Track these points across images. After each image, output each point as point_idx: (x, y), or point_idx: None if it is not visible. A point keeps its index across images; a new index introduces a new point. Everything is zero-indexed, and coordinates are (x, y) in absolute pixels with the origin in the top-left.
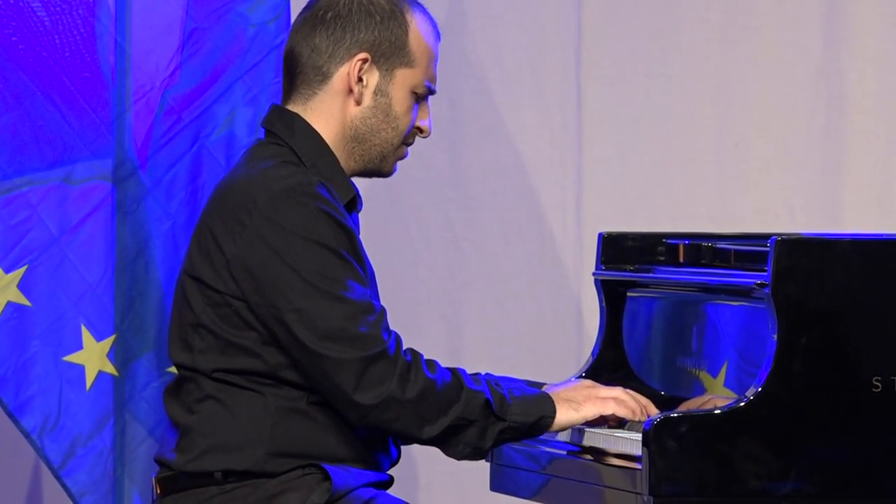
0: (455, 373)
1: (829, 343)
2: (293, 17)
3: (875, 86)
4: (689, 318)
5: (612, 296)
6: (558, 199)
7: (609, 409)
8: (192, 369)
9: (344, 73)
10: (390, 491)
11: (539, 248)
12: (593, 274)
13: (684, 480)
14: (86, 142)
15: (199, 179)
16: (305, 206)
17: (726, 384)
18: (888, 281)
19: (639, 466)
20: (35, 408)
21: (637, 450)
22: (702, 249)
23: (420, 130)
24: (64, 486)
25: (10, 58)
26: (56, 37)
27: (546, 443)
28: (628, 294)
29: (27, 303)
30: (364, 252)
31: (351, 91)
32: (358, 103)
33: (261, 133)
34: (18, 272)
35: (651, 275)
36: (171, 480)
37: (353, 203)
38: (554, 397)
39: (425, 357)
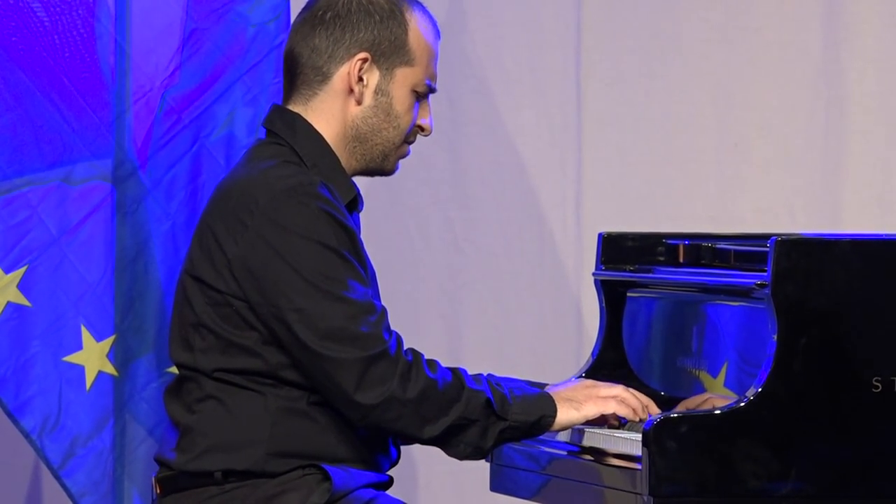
0: (456, 372)
1: (829, 343)
2: (293, 18)
3: (875, 86)
4: (688, 319)
5: (611, 296)
6: (558, 199)
7: (610, 408)
8: (193, 369)
9: (344, 72)
10: (390, 491)
11: (539, 248)
12: (593, 274)
13: (684, 481)
14: (86, 142)
15: (199, 180)
16: (306, 205)
17: (726, 384)
18: (888, 281)
19: (639, 467)
20: (35, 408)
21: (637, 450)
22: (702, 249)
23: (421, 129)
24: (64, 486)
25: (10, 58)
26: (56, 37)
27: (546, 443)
28: (628, 294)
29: (27, 303)
30: (365, 252)
31: (351, 91)
32: (359, 103)
33: (261, 133)
34: (18, 272)
35: (651, 275)
36: (171, 480)
37: (355, 203)
38: (555, 397)
39: (426, 357)
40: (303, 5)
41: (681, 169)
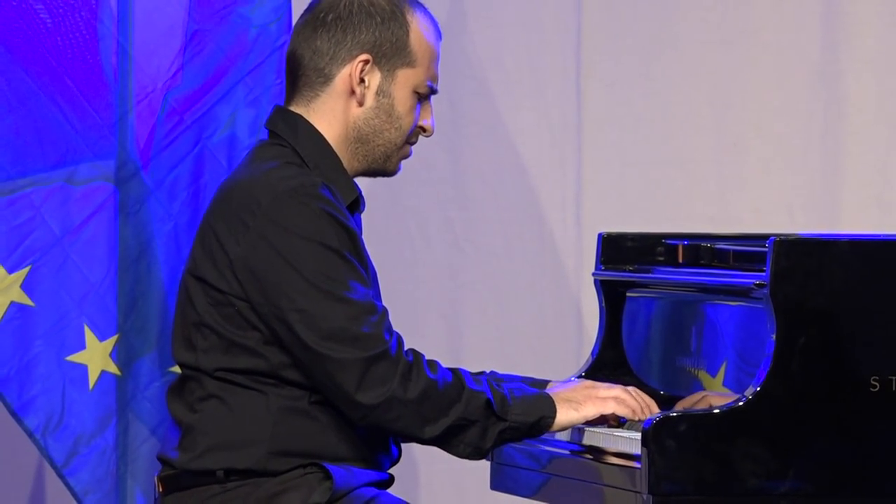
0: (456, 373)
1: (827, 343)
2: (295, 19)
3: (873, 87)
4: (688, 318)
5: (611, 296)
6: (558, 200)
7: (609, 408)
8: (195, 368)
9: (346, 74)
10: (391, 490)
11: (539, 248)
12: (593, 274)
13: (683, 479)
14: (88, 143)
15: (201, 180)
16: (308, 206)
17: (725, 384)
18: (886, 281)
19: (638, 465)
20: (38, 407)
21: (636, 449)
22: (701, 250)
23: (423, 129)
24: (67, 484)
25: (14, 59)
26: (59, 38)
27: (546, 442)
28: (628, 294)
29: (30, 303)
30: (366, 252)
31: (353, 92)
32: (360, 104)
33: (263, 134)
34: (22, 272)
35: (650, 275)
36: (174, 479)
37: (356, 204)
38: (554, 397)
39: (426, 357)
40: (304, 7)
41: (680, 169)
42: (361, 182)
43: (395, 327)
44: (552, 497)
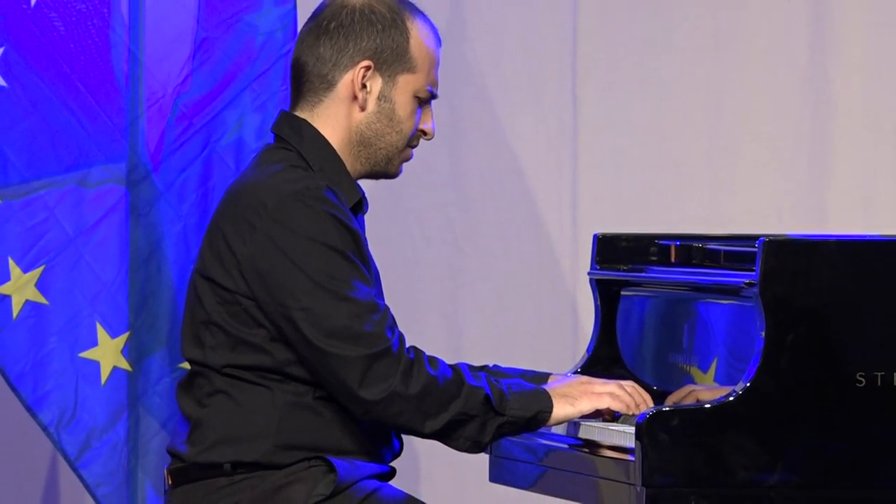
0: (456, 369)
1: (814, 340)
2: (300, 27)
3: (860, 91)
4: (680, 316)
5: (606, 295)
6: (555, 202)
7: (604, 403)
8: (204, 365)
9: (348, 80)
10: (393, 482)
11: (536, 249)
12: (588, 273)
13: (676, 472)
14: (100, 146)
15: (210, 182)
16: (313, 208)
17: (716, 379)
18: (872, 280)
19: (632, 458)
20: (52, 402)
21: (630, 442)
22: (693, 250)
23: (424, 133)
24: (80, 477)
25: (28, 66)
26: (72, 45)
27: (543, 435)
28: (622, 293)
29: (45, 301)
30: (369, 253)
31: (355, 97)
32: (362, 109)
33: (270, 138)
34: (36, 272)
35: (644, 274)
36: (182, 472)
37: (359, 205)
38: (551, 392)
39: (427, 354)
40: (309, 15)
41: (673, 172)
42: (364, 184)
43: (397, 325)
44: (549, 489)
